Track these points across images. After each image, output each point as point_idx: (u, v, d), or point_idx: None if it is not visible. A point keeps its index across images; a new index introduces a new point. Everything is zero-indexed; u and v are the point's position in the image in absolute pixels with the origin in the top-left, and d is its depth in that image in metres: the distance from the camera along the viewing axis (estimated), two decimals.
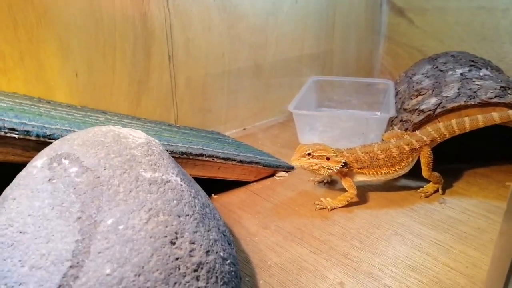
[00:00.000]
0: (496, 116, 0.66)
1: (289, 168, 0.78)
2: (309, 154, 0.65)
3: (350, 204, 0.67)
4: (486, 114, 0.67)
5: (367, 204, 0.68)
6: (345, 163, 0.66)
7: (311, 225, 0.62)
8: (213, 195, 0.70)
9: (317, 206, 0.66)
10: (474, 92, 0.72)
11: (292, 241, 0.59)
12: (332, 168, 0.65)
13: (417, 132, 0.70)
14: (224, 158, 0.66)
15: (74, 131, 0.50)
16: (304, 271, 0.52)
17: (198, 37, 0.84)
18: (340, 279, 0.51)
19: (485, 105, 0.68)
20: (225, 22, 0.87)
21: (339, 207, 0.66)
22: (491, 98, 0.69)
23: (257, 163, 0.72)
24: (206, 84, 0.88)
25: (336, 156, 0.66)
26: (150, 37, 0.77)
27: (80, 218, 0.37)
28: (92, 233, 0.36)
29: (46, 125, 0.48)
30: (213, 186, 0.70)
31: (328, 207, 0.66)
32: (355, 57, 1.23)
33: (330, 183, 0.75)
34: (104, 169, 0.41)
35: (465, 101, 0.70)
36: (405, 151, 0.67)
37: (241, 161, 0.69)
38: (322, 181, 0.75)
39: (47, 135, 0.47)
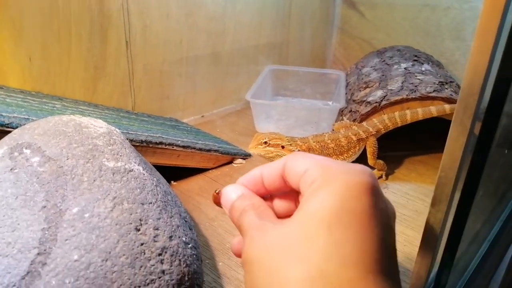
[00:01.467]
0: (433, 110, 0.73)
1: (246, 156, 0.82)
2: (265, 142, 0.69)
3: None
4: (425, 108, 0.74)
5: None
6: (297, 150, 0.70)
7: None
8: (172, 182, 0.72)
9: None
10: (416, 86, 0.79)
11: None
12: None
13: (364, 123, 0.76)
14: (183, 146, 0.68)
15: (32, 119, 0.50)
16: None
17: (155, 24, 0.84)
18: None
19: (425, 98, 0.75)
20: (182, 9, 0.88)
21: None
22: (430, 93, 0.75)
23: (215, 150, 0.75)
24: (164, 71, 0.89)
25: (291, 145, 0.70)
26: (107, 22, 0.76)
27: (45, 207, 0.38)
28: (58, 221, 0.37)
29: (3, 114, 0.48)
30: (172, 173, 0.72)
31: None
32: (309, 47, 1.27)
33: None
34: (67, 159, 0.42)
35: (407, 95, 0.76)
36: (352, 141, 0.72)
37: (200, 149, 0.71)
38: None
39: (6, 124, 0.47)
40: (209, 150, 0.73)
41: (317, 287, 0.24)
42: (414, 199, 0.71)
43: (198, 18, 0.91)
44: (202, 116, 1.01)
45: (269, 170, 0.32)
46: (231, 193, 0.34)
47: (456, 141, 0.34)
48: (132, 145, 0.59)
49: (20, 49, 0.67)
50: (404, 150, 0.88)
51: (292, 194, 0.33)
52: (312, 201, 0.27)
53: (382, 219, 0.27)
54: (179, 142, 0.68)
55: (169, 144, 0.66)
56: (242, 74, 1.08)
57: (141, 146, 0.62)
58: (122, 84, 0.82)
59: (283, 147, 0.70)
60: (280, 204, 0.33)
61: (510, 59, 0.32)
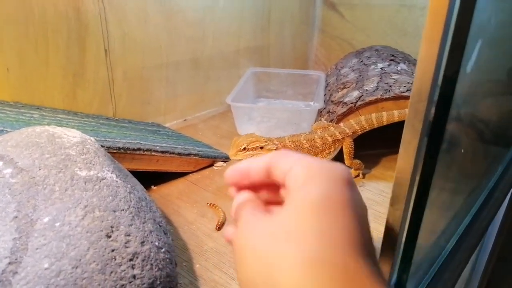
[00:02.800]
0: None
1: (226, 158, 0.83)
2: (244, 148, 0.70)
3: None
4: (401, 110, 0.76)
5: None
6: (277, 147, 0.71)
7: None
8: (152, 187, 0.73)
9: None
10: (390, 86, 0.81)
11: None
12: None
13: (341, 124, 0.78)
14: (162, 152, 0.69)
15: (7, 131, 0.51)
16: None
17: (134, 31, 0.85)
18: None
19: (398, 98, 0.77)
20: (161, 15, 0.89)
21: None
22: (403, 92, 0.77)
23: (195, 154, 0.76)
24: (144, 77, 0.90)
25: (268, 144, 0.71)
26: (84, 30, 0.77)
27: (16, 217, 0.39)
28: (29, 231, 0.38)
29: None
30: (152, 178, 0.73)
31: None
32: (290, 49, 1.29)
33: None
34: (39, 169, 0.43)
35: (381, 95, 0.78)
36: (327, 142, 0.74)
37: (179, 154, 0.72)
38: None
39: None
40: (188, 154, 0.74)
41: (312, 268, 0.26)
42: (389, 196, 0.73)
43: (177, 24, 0.92)
44: (185, 120, 1.02)
45: (256, 165, 0.35)
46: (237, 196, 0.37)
47: (409, 144, 0.36)
48: (109, 152, 0.60)
49: None
50: (382, 148, 0.90)
51: (272, 186, 0.36)
52: (300, 194, 0.30)
53: (358, 209, 0.31)
54: (158, 147, 0.69)
55: (147, 150, 0.67)
56: (223, 78, 1.09)
57: (119, 153, 0.63)
58: (102, 91, 0.83)
59: (261, 147, 0.71)
60: (261, 195, 0.37)
61: (454, 67, 0.34)
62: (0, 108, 0.62)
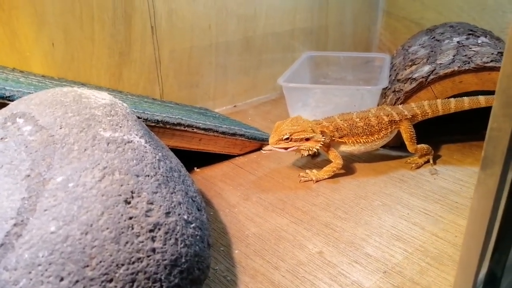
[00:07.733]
0: (482, 99, 0.64)
1: None
2: (287, 138, 0.62)
3: (336, 175, 0.64)
4: (472, 97, 0.65)
5: (354, 175, 0.65)
6: (324, 139, 0.62)
7: (294, 196, 0.60)
8: (195, 168, 0.68)
9: (302, 178, 0.64)
10: (470, 58, 0.68)
11: (273, 211, 0.56)
12: (311, 149, 0.62)
13: (399, 106, 0.67)
14: (204, 129, 0.64)
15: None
16: (282, 241, 0.50)
17: (182, 8, 0.81)
18: (320, 248, 0.48)
19: (480, 69, 0.65)
20: None
21: (325, 179, 0.64)
22: (487, 63, 0.65)
23: (241, 135, 0.69)
24: (192, 57, 0.86)
25: (315, 134, 0.62)
26: (130, 7, 0.74)
27: (28, 176, 0.35)
28: (40, 191, 0.33)
29: (7, 87, 0.46)
30: (197, 160, 0.68)
31: (314, 179, 0.63)
32: (351, 32, 1.18)
33: (317, 155, 0.72)
34: (60, 128, 0.38)
35: (458, 67, 0.66)
36: (383, 121, 0.64)
37: (223, 133, 0.66)
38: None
39: (7, 97, 0.45)
40: (233, 134, 0.68)
41: None
42: (469, 185, 0.61)
43: (227, 2, 0.87)
44: (234, 106, 0.97)
45: None
46: None
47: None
48: (147, 125, 0.55)
49: (42, 34, 0.66)
50: (460, 134, 0.77)
51: None
52: None
53: None
54: (200, 124, 0.63)
55: (188, 126, 0.61)
56: (277, 62, 1.02)
57: (158, 127, 0.58)
58: (148, 71, 0.80)
59: (307, 139, 0.62)
60: None
61: None
62: (40, 80, 0.60)
